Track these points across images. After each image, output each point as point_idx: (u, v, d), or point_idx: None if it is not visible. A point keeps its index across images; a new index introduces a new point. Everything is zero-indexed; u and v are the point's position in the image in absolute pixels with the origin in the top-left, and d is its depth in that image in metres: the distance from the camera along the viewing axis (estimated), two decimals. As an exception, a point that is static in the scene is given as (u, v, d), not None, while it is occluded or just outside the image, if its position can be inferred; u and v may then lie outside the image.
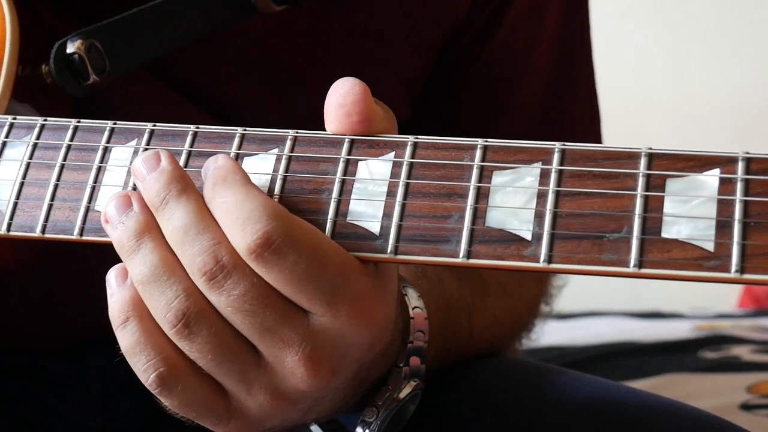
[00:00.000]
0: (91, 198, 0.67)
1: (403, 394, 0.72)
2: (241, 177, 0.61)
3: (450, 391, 0.82)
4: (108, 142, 0.69)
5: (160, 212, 0.62)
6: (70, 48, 0.79)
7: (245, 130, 0.66)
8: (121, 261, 0.64)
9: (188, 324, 0.61)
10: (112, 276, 0.64)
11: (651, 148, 0.57)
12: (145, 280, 0.62)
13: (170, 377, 0.63)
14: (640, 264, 0.54)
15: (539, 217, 0.57)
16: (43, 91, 0.80)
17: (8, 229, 0.69)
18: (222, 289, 0.60)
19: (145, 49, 0.83)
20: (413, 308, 0.73)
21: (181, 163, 0.66)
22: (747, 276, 0.52)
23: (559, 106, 1.04)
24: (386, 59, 0.95)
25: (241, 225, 0.59)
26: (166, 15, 0.83)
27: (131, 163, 0.67)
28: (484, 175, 0.60)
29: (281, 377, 0.62)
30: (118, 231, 0.63)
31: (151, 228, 0.63)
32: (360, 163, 0.63)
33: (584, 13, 1.06)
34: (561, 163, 0.58)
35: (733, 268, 0.53)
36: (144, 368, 0.63)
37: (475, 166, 0.60)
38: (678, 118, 2.65)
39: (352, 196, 0.62)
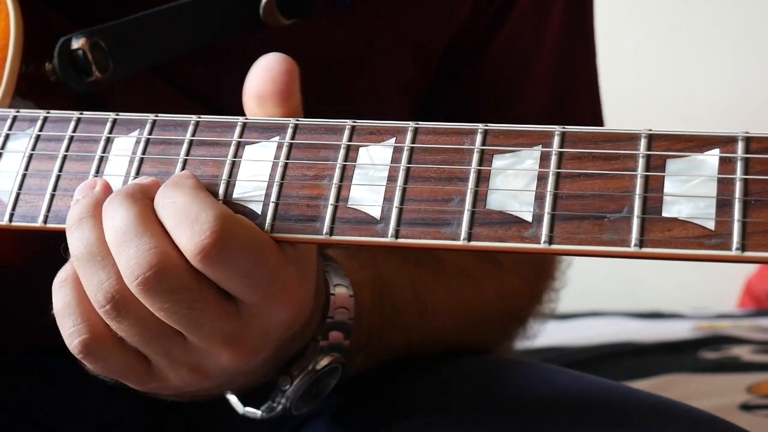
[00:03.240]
0: None
1: (319, 366, 0.74)
2: (192, 182, 0.63)
3: (448, 391, 0.83)
4: (110, 132, 0.69)
5: (105, 209, 0.63)
6: (75, 44, 0.80)
7: (247, 119, 0.66)
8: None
9: (117, 307, 0.62)
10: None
11: (651, 130, 0.57)
12: (81, 257, 0.63)
13: (94, 346, 0.64)
14: (641, 243, 0.54)
15: (540, 198, 0.57)
16: (47, 89, 0.81)
17: (10, 220, 0.69)
18: (156, 294, 0.61)
19: (150, 54, 0.84)
20: (335, 285, 0.75)
21: (183, 152, 0.66)
22: (748, 254, 0.52)
23: (561, 109, 1.04)
24: (389, 68, 0.95)
25: (189, 225, 0.60)
26: (172, 23, 0.83)
27: (134, 153, 0.67)
28: (485, 158, 0.60)
29: (206, 357, 0.65)
30: (73, 208, 0.65)
31: (99, 210, 0.64)
32: (361, 149, 0.63)
33: (588, 15, 1.06)
34: (561, 146, 0.58)
35: (734, 245, 0.53)
36: (70, 332, 0.64)
37: (475, 150, 0.60)
38: (678, 117, 2.65)
39: (353, 182, 0.62)
